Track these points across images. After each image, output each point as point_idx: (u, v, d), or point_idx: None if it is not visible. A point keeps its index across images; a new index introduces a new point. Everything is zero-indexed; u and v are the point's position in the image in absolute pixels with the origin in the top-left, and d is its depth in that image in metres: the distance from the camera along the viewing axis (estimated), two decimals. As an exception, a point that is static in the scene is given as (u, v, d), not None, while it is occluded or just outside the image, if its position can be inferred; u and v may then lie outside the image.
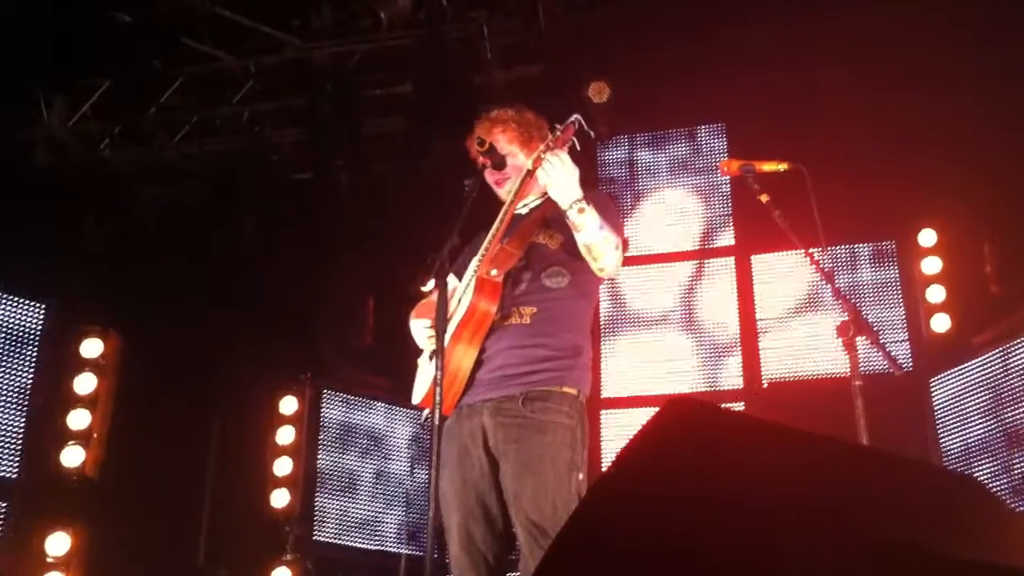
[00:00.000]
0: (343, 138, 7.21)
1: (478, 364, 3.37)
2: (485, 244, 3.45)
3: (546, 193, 3.60)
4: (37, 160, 7.41)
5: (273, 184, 7.66)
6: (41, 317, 6.19)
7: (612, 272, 3.44)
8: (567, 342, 3.41)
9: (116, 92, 7.33)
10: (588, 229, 3.28)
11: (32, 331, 6.15)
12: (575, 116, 3.32)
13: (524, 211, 3.63)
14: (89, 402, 6.18)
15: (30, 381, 6.08)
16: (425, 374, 3.54)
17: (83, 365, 6.22)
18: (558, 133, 3.30)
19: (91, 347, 6.27)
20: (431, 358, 3.37)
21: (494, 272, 3.38)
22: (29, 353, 6.12)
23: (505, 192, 3.54)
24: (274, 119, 7.60)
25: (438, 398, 3.01)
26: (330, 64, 7.16)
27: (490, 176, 3.56)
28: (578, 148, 3.39)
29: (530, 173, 3.41)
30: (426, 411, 3.46)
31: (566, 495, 3.18)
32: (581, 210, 3.25)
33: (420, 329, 3.53)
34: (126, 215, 7.44)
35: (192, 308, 6.77)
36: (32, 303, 6.18)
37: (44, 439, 6.06)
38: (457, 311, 3.41)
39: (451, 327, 3.35)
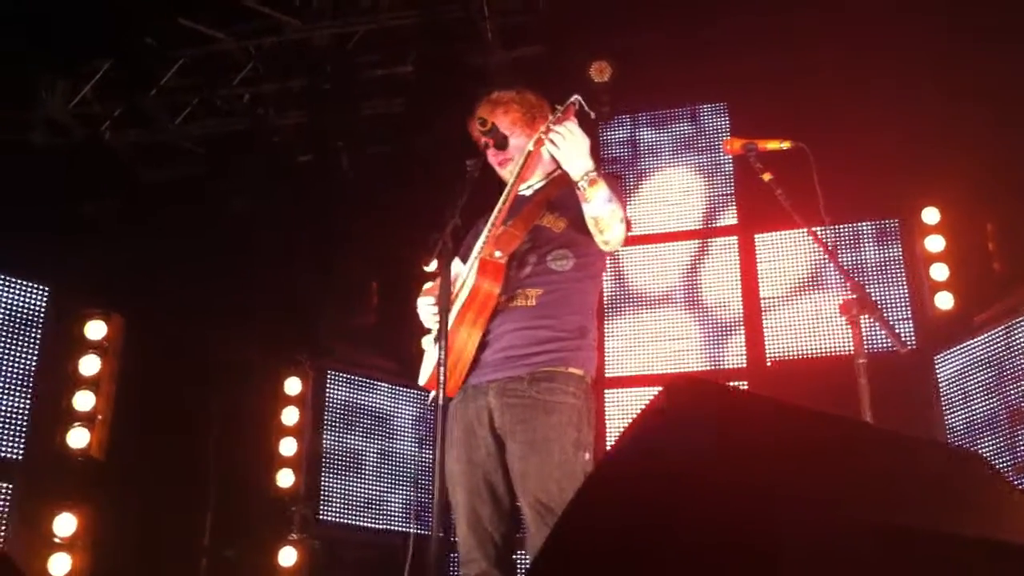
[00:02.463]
0: (343, 119, 7.19)
1: (483, 345, 3.37)
2: (488, 226, 3.44)
3: (550, 174, 3.60)
4: (38, 142, 7.39)
5: (275, 166, 7.65)
6: (44, 299, 6.21)
7: (616, 245, 3.42)
8: (572, 323, 3.40)
9: (117, 74, 7.30)
10: (598, 200, 3.25)
11: (36, 313, 6.17)
12: (575, 96, 3.29)
13: (528, 192, 3.61)
14: (93, 384, 6.19)
15: (34, 363, 6.11)
16: (431, 355, 3.54)
17: (87, 347, 6.24)
18: (559, 113, 3.28)
19: (95, 329, 6.28)
20: (436, 339, 3.38)
21: (498, 254, 3.37)
22: (33, 335, 6.14)
23: (508, 173, 3.53)
24: (275, 101, 7.57)
25: (441, 378, 3.01)
26: (330, 45, 7.13)
27: (493, 157, 3.55)
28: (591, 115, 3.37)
29: (532, 153, 3.40)
30: (432, 392, 3.46)
31: (572, 474, 3.18)
32: (593, 181, 3.23)
33: (426, 308, 3.52)
34: (128, 197, 7.43)
35: (196, 290, 6.77)
36: (35, 285, 6.19)
37: (49, 421, 6.08)
38: (461, 293, 3.41)
39: (455, 309, 3.35)
